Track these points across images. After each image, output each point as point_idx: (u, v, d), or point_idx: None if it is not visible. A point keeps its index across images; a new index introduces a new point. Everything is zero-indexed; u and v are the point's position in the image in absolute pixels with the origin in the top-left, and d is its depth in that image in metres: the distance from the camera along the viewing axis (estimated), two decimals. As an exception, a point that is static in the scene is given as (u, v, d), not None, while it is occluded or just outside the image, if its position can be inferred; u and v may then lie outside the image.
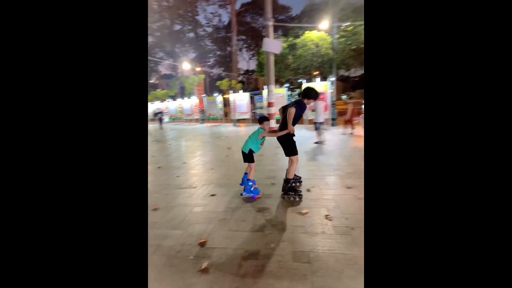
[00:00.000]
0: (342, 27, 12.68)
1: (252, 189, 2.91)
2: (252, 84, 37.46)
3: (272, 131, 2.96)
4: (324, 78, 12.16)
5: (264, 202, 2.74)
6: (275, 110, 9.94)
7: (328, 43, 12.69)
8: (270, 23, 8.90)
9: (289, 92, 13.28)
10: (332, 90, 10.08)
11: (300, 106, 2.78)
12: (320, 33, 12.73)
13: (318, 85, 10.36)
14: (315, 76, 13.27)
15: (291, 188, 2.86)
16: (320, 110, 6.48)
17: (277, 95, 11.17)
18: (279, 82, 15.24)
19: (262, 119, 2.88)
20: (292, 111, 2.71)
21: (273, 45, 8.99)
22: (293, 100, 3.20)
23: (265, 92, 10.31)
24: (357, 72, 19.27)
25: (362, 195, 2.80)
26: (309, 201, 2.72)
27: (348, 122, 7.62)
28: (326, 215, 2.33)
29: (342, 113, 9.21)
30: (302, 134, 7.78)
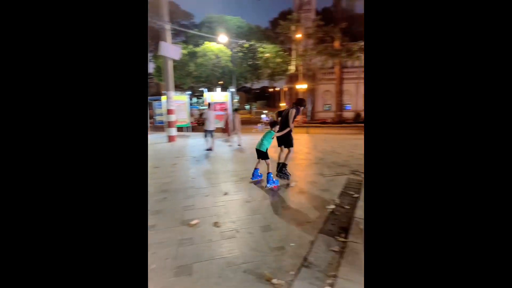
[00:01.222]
0: (239, 43, 13.84)
1: (274, 179, 3.51)
2: (153, 88, 34.20)
3: (278, 131, 3.77)
4: (225, 89, 12.78)
5: (152, 218, 2.53)
6: (176, 118, 9.49)
7: (227, 56, 13.49)
8: (167, 26, 8.50)
9: (195, 99, 13.06)
10: (236, 100, 10.72)
11: (297, 109, 3.83)
12: (219, 45, 13.37)
13: (219, 94, 10.75)
14: (216, 86, 13.74)
15: (285, 171, 3.86)
16: (211, 119, 6.69)
17: (178, 102, 10.71)
18: (180, 88, 14.72)
19: (274, 124, 3.73)
20: (293, 112, 3.74)
21: (171, 50, 8.60)
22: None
23: (164, 98, 9.66)
24: (255, 84, 21.47)
25: (250, 198, 3.10)
26: (201, 210, 2.73)
27: (225, 131, 8.16)
28: (215, 222, 2.42)
29: (243, 122, 9.88)
30: (194, 143, 7.81)
